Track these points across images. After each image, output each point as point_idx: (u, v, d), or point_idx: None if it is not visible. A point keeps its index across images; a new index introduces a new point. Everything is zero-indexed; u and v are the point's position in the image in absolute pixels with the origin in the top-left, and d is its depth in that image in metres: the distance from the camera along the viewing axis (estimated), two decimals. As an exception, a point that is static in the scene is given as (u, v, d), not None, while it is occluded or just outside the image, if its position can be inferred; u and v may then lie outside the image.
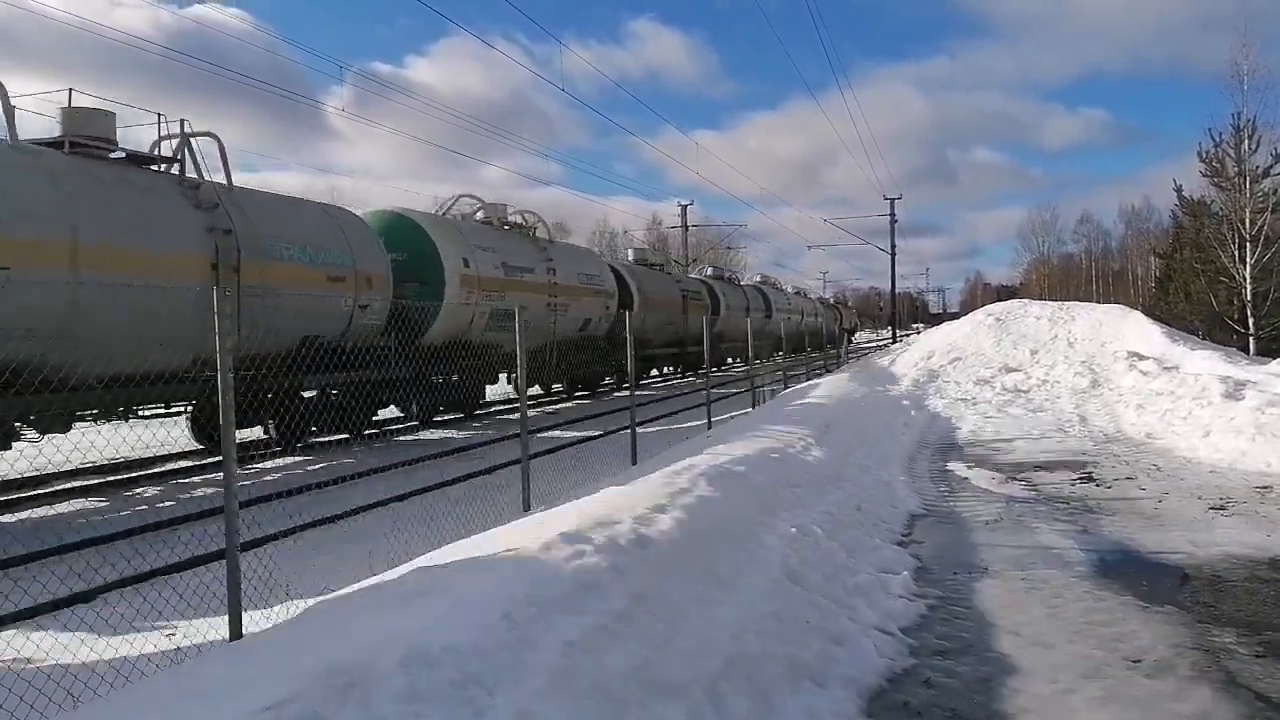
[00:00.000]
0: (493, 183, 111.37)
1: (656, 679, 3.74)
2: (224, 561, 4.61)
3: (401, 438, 16.12)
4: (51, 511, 9.77)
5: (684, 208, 55.93)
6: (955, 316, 52.20)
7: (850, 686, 4.14)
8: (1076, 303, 26.68)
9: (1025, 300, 28.46)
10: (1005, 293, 76.35)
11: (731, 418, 14.59)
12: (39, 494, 10.51)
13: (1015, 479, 9.93)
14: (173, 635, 5.22)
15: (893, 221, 52.23)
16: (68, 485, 10.92)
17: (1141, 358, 17.63)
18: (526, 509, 7.91)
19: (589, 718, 3.31)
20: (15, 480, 10.52)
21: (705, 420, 14.08)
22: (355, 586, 5.24)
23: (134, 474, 11.89)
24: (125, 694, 3.35)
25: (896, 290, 57.05)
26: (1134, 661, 4.52)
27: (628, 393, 11.49)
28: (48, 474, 11.18)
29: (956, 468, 10.80)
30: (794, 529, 6.20)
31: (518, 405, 8.54)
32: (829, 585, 5.31)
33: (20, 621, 5.66)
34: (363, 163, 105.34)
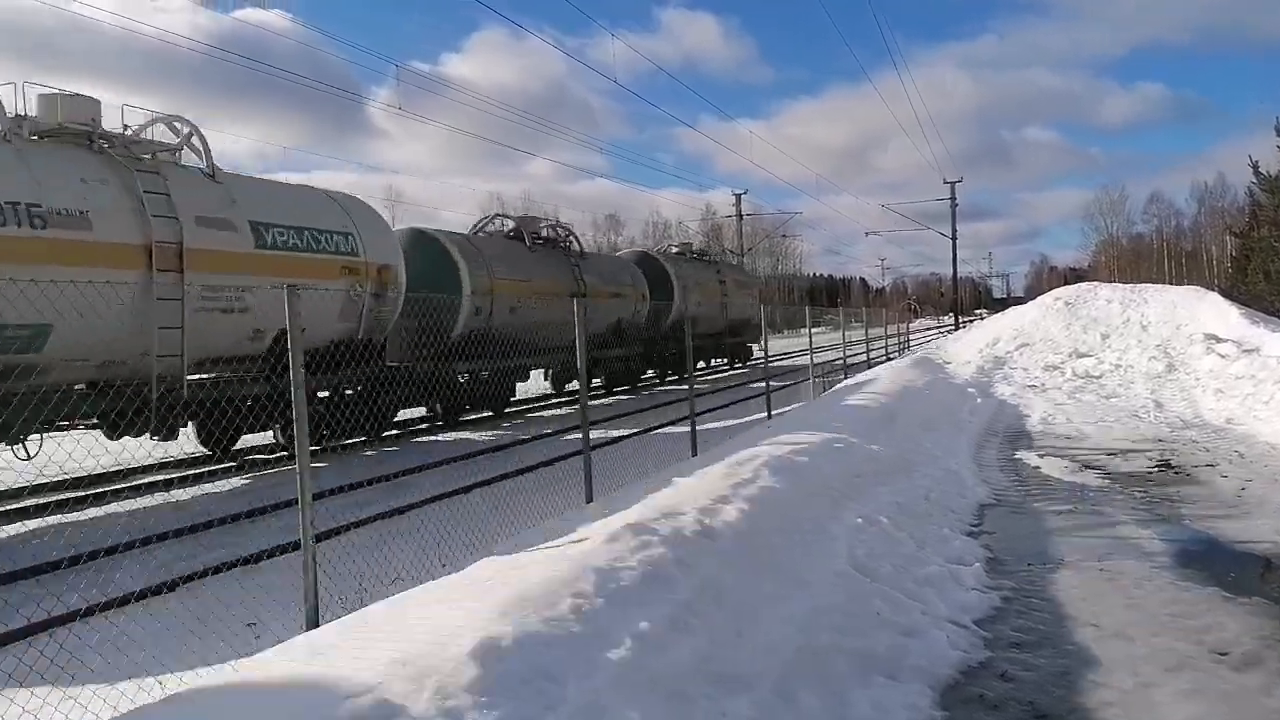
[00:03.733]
0: (540, 177, 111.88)
1: (724, 672, 3.72)
2: (299, 553, 4.73)
3: (436, 438, 16.31)
4: (135, 505, 10.14)
5: (738, 196, 55.50)
6: (1020, 301, 50.91)
7: (923, 679, 4.07)
8: (1149, 285, 25.80)
9: (1094, 283, 27.60)
10: (1072, 276, 74.21)
11: (791, 409, 14.44)
12: (120, 488, 10.91)
13: (1089, 467, 9.65)
14: (254, 625, 5.37)
15: (953, 205, 51.11)
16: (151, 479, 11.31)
17: (1219, 340, 16.98)
18: (589, 501, 7.94)
19: (657, 711, 3.31)
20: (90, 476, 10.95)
21: (765, 413, 13.98)
22: (427, 579, 5.34)
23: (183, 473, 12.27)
24: (209, 679, 3.45)
25: (958, 275, 55.83)
26: (1220, 654, 4.36)
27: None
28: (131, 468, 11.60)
29: (1027, 456, 10.54)
30: (860, 519, 6.12)
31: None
32: (898, 577, 5.22)
33: (109, 610, 5.87)
34: (410, 161, 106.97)
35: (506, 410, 19.23)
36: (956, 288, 58.56)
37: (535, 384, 21.28)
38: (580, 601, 3.87)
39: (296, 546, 6.65)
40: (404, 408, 15.69)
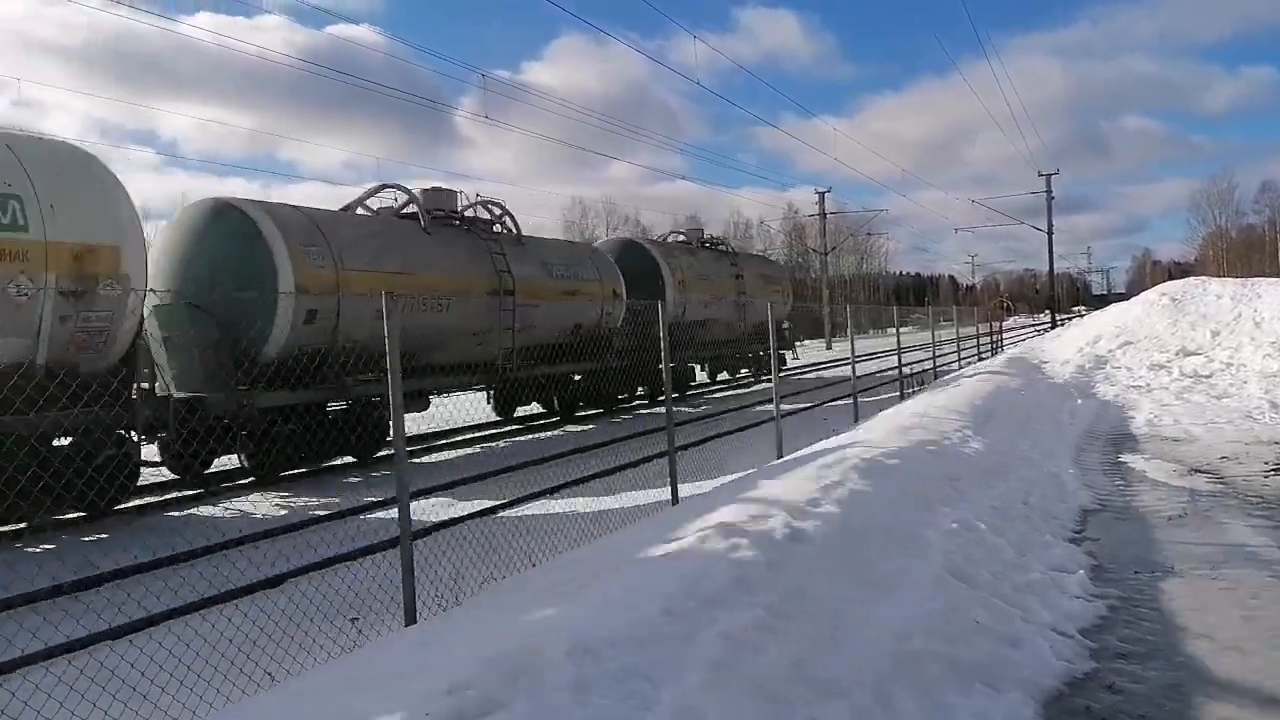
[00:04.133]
0: (621, 180, 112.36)
1: (817, 677, 3.68)
2: (397, 549, 4.88)
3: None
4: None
5: (821, 195, 54.88)
6: (1122, 297, 48.78)
7: (1026, 690, 3.94)
8: (1262, 279, 24.43)
9: (1203, 278, 26.29)
10: (1177, 270, 70.85)
11: (880, 414, 14.17)
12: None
13: (1199, 471, 9.19)
14: (357, 619, 5.55)
15: (1049, 199, 49.35)
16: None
17: (1344, 337, 15.95)
18: (675, 502, 7.96)
19: (751, 714, 3.29)
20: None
21: (837, 425, 13.76)
22: (518, 577, 5.44)
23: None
24: (318, 673, 3.59)
25: (1054, 271, 53.84)
26: (1351, 672, 4.09)
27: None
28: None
29: (1131, 459, 10.10)
30: (955, 524, 5.96)
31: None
32: (997, 583, 5.07)
33: (213, 606, 6.15)
34: (495, 168, 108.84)
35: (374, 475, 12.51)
36: (1053, 284, 56.51)
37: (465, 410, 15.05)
38: (670, 603, 3.88)
39: (392, 544, 6.89)
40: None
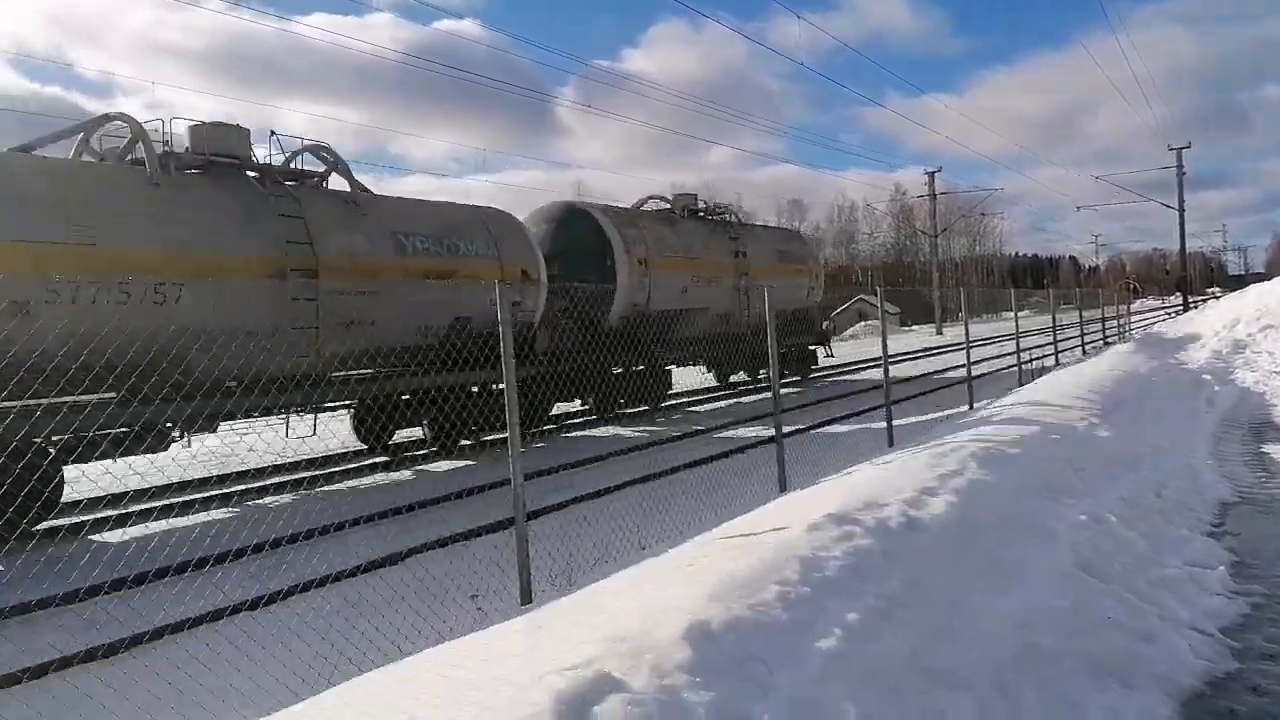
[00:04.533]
0: (720, 165, 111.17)
1: (936, 668, 3.60)
2: (495, 534, 5.01)
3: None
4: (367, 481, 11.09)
5: (931, 175, 53.08)
6: (1262, 278, 45.50)
7: (1162, 688, 3.76)
8: None
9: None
10: (1327, 248, 65.39)
11: (999, 400, 13.68)
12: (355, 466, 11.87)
13: (1355, 463, 8.52)
14: (476, 596, 5.74)
15: (1180, 174, 46.39)
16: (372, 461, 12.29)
17: None
18: (783, 489, 7.89)
19: (871, 704, 3.25)
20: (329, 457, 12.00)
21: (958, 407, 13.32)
22: (627, 561, 5.51)
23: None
24: (443, 650, 3.73)
25: (1186, 250, 50.62)
26: None
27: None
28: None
29: (1275, 450, 9.44)
30: (1083, 516, 5.71)
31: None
32: (1130, 578, 4.84)
33: (340, 581, 6.45)
34: (594, 157, 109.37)
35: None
36: (1184, 264, 53.18)
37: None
38: (786, 589, 3.85)
39: (506, 524, 7.08)
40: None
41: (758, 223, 24.39)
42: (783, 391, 8.61)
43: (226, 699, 4.34)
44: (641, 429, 14.91)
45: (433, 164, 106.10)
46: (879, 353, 10.96)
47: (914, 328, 55.00)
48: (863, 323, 53.76)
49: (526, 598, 4.95)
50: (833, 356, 25.12)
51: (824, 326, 24.27)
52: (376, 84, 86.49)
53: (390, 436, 12.86)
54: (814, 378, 22.99)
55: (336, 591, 6.18)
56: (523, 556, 5.00)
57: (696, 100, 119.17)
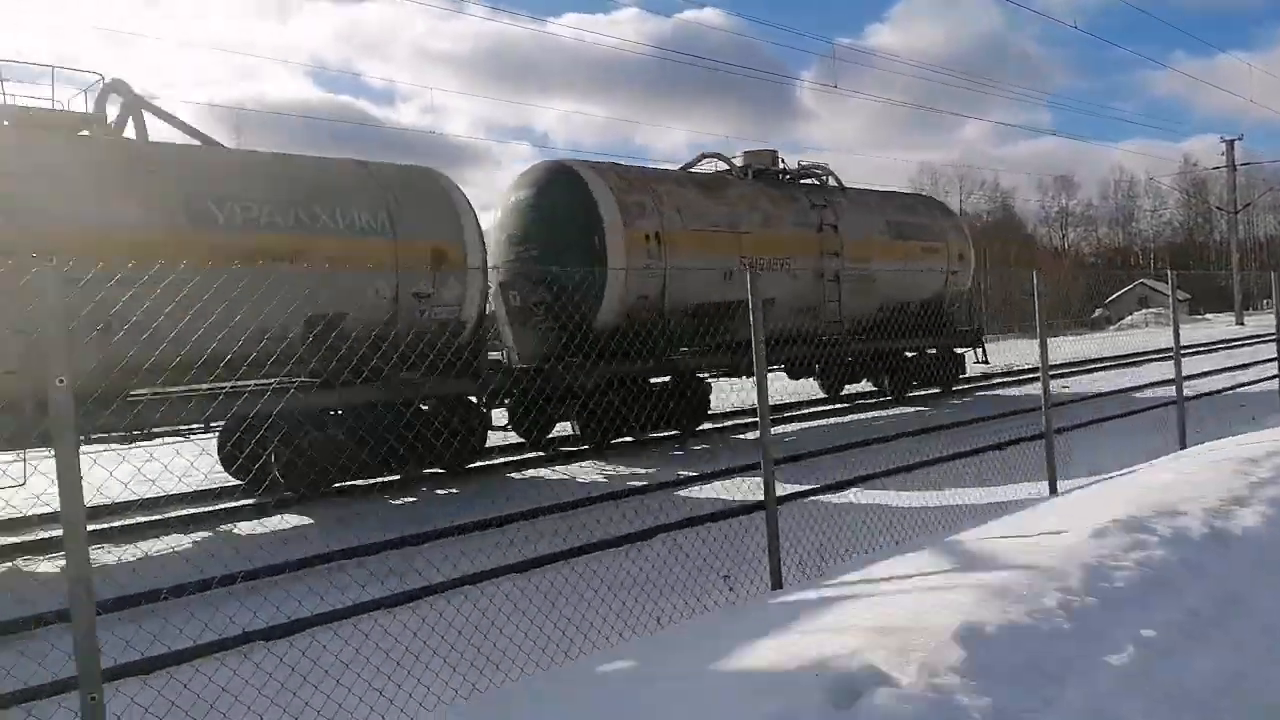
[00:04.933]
0: (972, 140, 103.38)
1: (1262, 700, 3.14)
2: (762, 513, 4.98)
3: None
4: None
5: (1229, 144, 46.41)
6: None
7: None
8: None
9: None
10: None
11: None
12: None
13: None
14: (729, 576, 5.78)
15: None
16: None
17: None
18: (1053, 491, 7.28)
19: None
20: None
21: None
22: (887, 553, 5.31)
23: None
24: (686, 625, 3.78)
25: None
26: None
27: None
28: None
29: None
30: None
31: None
32: None
33: (557, 562, 6.65)
34: (836, 138, 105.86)
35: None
36: None
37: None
38: (1069, 598, 3.55)
39: (756, 507, 7.05)
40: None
41: (876, 187, 17.74)
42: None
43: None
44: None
45: (675, 153, 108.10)
46: (1167, 343, 9.77)
47: (1206, 316, 48.72)
48: (1143, 310, 48.56)
49: (777, 583, 4.91)
50: (986, 363, 17.99)
51: (974, 325, 18.28)
52: (619, 77, 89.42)
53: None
54: (958, 390, 17.45)
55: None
56: (773, 542, 4.96)
57: (948, 72, 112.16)
